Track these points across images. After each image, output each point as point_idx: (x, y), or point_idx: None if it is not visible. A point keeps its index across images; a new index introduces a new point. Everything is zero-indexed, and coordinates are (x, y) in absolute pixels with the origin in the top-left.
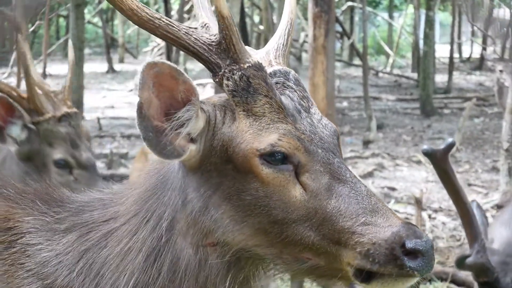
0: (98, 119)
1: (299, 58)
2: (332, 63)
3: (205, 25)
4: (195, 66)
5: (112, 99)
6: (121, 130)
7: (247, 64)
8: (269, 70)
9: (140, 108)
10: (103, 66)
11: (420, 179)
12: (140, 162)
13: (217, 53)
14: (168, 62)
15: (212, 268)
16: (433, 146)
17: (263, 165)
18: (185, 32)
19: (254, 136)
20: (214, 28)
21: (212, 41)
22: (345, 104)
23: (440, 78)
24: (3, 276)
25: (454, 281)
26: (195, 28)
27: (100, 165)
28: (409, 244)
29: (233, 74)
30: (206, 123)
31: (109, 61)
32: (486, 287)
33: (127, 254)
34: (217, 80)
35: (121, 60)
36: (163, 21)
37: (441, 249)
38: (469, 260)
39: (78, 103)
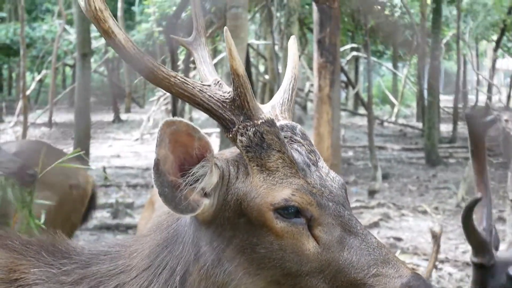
0: (104, 168)
1: (304, 108)
2: (337, 112)
3: (217, 82)
4: (200, 115)
5: (118, 148)
6: (126, 179)
7: (261, 121)
8: (278, 124)
9: (157, 164)
10: (109, 116)
11: (426, 229)
12: (148, 211)
13: (230, 110)
14: (186, 120)
15: None
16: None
17: (277, 219)
18: (199, 90)
19: (268, 190)
20: (226, 85)
21: (226, 98)
22: (350, 153)
23: (445, 128)
24: None
25: None
26: (209, 85)
27: (105, 214)
28: None
29: (247, 130)
30: (220, 178)
31: (116, 110)
32: (479, 270)
33: None
34: (230, 136)
35: (128, 110)
36: (178, 79)
37: None
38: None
39: (85, 153)
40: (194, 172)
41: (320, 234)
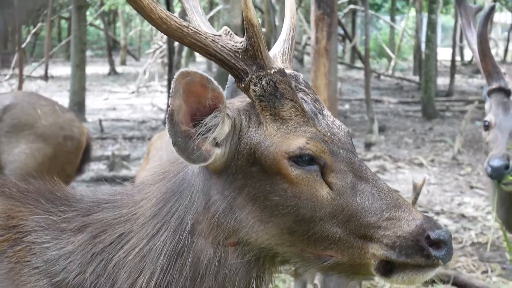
0: (100, 121)
1: (301, 61)
2: (334, 65)
3: (228, 32)
4: (197, 68)
5: (114, 101)
6: (122, 132)
7: (274, 70)
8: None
9: (171, 115)
10: (105, 68)
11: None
12: (146, 162)
13: (243, 60)
14: (200, 72)
15: (231, 267)
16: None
17: (292, 167)
18: (212, 40)
19: (282, 139)
20: (236, 35)
21: (239, 48)
22: (347, 106)
23: (442, 81)
24: (9, 273)
25: (456, 283)
26: (220, 36)
27: (102, 167)
28: (433, 235)
29: (260, 80)
30: (232, 128)
31: (111, 63)
32: (498, 95)
33: (147, 256)
34: (243, 86)
35: (123, 62)
36: (191, 29)
37: None
38: None
39: (80, 105)
40: (206, 122)
41: (333, 180)
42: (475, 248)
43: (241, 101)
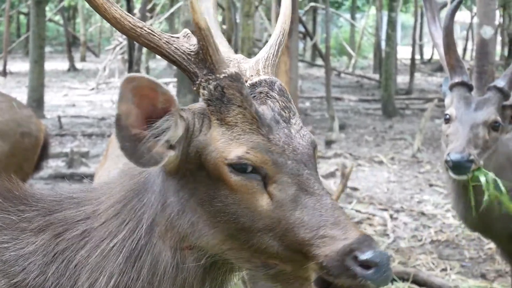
0: (59, 117)
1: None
2: (295, 63)
3: (187, 34)
4: (157, 65)
5: (73, 97)
6: (82, 128)
7: (223, 75)
8: (255, 79)
9: (118, 120)
10: (64, 65)
11: (382, 179)
12: (104, 160)
13: (195, 63)
14: (147, 76)
15: (189, 271)
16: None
17: (231, 173)
18: (166, 42)
19: (224, 145)
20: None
21: (191, 51)
22: (307, 104)
23: (402, 79)
24: None
25: (415, 281)
26: (177, 38)
27: (60, 164)
28: (361, 256)
29: (208, 84)
30: (185, 131)
31: (71, 59)
32: (461, 89)
33: (107, 255)
34: (194, 88)
35: (83, 59)
36: (145, 30)
37: (402, 249)
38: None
39: (39, 101)
40: (158, 125)
41: (274, 191)
42: (435, 246)
43: (201, 104)
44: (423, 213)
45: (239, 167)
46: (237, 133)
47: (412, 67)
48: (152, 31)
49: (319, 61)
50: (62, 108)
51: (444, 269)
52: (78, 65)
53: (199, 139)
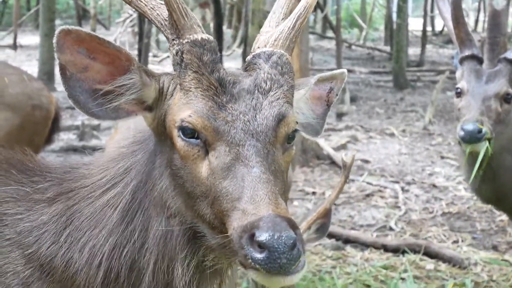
0: None
1: None
2: (306, 35)
3: None
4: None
5: None
6: None
7: (186, 40)
8: (258, 51)
9: (63, 70)
10: None
11: (394, 151)
12: (116, 132)
13: (167, 27)
14: (90, 32)
15: (174, 239)
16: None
17: (179, 137)
18: (151, 8)
19: (177, 109)
20: None
21: (167, 17)
22: None
23: (413, 51)
24: None
25: (426, 253)
26: (162, 3)
27: (71, 136)
28: (257, 236)
29: (173, 49)
30: (159, 93)
31: None
32: (472, 62)
33: (104, 210)
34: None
35: (93, 32)
36: None
37: (414, 222)
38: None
39: (50, 74)
40: (120, 83)
41: (211, 158)
42: (446, 218)
43: None
44: (434, 186)
45: (184, 131)
46: (189, 98)
47: (424, 39)
48: None
49: (330, 33)
50: None
51: (456, 241)
52: None
53: (169, 102)
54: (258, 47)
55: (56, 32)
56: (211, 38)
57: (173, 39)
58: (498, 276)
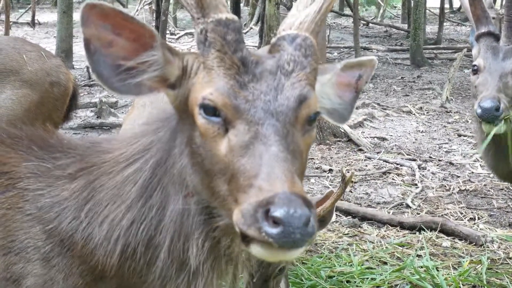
0: (88, 68)
1: (290, 8)
2: None
3: None
4: (185, 15)
5: None
6: None
7: (210, 19)
8: (283, 33)
9: (87, 44)
10: None
11: (411, 129)
12: (134, 109)
13: (194, 7)
14: (118, 8)
15: (191, 217)
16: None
17: (200, 115)
18: None
19: (199, 87)
20: None
21: None
22: (335, 54)
23: (431, 29)
24: (1, 219)
25: (443, 230)
26: None
27: (89, 114)
28: (272, 212)
29: (197, 27)
30: (183, 71)
31: None
32: (489, 39)
33: (123, 184)
34: (194, 31)
35: None
36: None
37: (430, 199)
38: None
39: (68, 51)
40: (143, 59)
41: (231, 136)
42: (463, 195)
43: None
44: (451, 163)
45: (205, 109)
46: (212, 76)
47: (441, 16)
48: None
49: (347, 11)
50: None
51: (472, 219)
52: None
53: (193, 81)
54: (284, 30)
55: (82, 5)
56: (236, 18)
57: (198, 18)
58: None
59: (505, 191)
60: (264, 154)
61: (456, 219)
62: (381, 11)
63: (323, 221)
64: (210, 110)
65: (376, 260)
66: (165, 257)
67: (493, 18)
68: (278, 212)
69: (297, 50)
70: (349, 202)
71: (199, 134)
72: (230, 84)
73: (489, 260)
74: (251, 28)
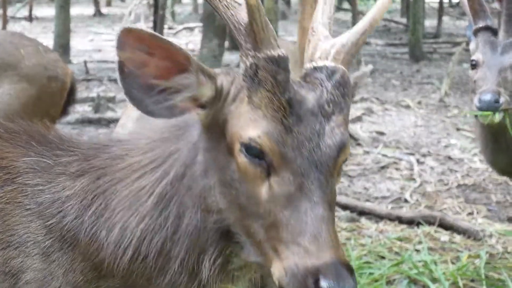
0: (85, 62)
1: (288, 2)
2: None
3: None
4: (183, 10)
5: (99, 42)
6: (108, 73)
7: (262, 55)
8: (320, 63)
9: (121, 66)
10: (90, 10)
11: (409, 123)
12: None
13: (243, 34)
14: (153, 32)
15: (206, 234)
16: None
17: (241, 153)
18: (225, 5)
19: (244, 123)
20: None
21: (244, 22)
22: None
23: (430, 23)
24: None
25: (441, 225)
26: (239, 4)
27: (87, 108)
28: (323, 282)
29: (247, 59)
30: (217, 94)
31: (96, 4)
32: (485, 34)
33: (139, 194)
34: (240, 57)
35: (108, 3)
36: None
37: (429, 194)
38: None
39: (65, 46)
40: (177, 81)
41: (274, 184)
42: (461, 190)
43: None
44: (450, 157)
45: (248, 149)
46: (258, 115)
47: (440, 11)
48: None
49: (346, 5)
50: (88, 53)
51: (471, 213)
52: (104, 10)
53: (231, 108)
54: (320, 58)
55: (118, 30)
56: (286, 54)
57: (248, 49)
58: None
59: (504, 185)
60: (309, 211)
61: (454, 214)
62: None
63: None
64: (255, 151)
65: (375, 255)
66: (177, 267)
67: (491, 13)
68: (328, 284)
69: (336, 89)
70: (348, 196)
71: (237, 169)
72: (278, 129)
73: (488, 255)
74: None
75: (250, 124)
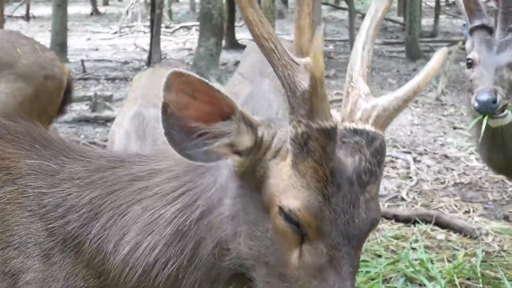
0: (82, 61)
1: (285, 1)
2: (318, 6)
3: (307, 65)
4: (180, 8)
5: (96, 41)
6: (105, 72)
7: (316, 126)
8: (360, 126)
9: (165, 107)
10: (87, 8)
11: (406, 122)
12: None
13: (298, 98)
14: (201, 78)
15: (221, 270)
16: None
17: (279, 215)
18: (283, 64)
19: (285, 188)
20: None
21: (300, 87)
22: (331, 47)
23: (426, 22)
24: None
25: (438, 223)
26: (297, 64)
27: (84, 107)
28: None
29: (298, 126)
30: (257, 145)
31: (93, 3)
32: (482, 31)
33: (157, 221)
34: (289, 119)
35: (106, 2)
36: (268, 44)
37: (425, 192)
38: None
39: (62, 45)
40: (218, 127)
41: (306, 252)
42: (458, 188)
43: (288, 132)
44: (446, 156)
45: (287, 216)
46: (301, 184)
47: (437, 9)
48: (274, 48)
49: (343, 4)
50: (85, 52)
51: (467, 211)
52: (101, 8)
53: (270, 164)
54: (360, 120)
55: (168, 72)
56: (336, 125)
57: (301, 115)
58: (509, 246)
59: (500, 184)
60: (337, 286)
61: (451, 212)
62: None
63: None
64: (293, 220)
65: (371, 253)
66: None
67: (488, 10)
68: None
69: (374, 157)
70: None
71: (272, 229)
72: (318, 201)
73: (484, 253)
74: None
75: (291, 191)
